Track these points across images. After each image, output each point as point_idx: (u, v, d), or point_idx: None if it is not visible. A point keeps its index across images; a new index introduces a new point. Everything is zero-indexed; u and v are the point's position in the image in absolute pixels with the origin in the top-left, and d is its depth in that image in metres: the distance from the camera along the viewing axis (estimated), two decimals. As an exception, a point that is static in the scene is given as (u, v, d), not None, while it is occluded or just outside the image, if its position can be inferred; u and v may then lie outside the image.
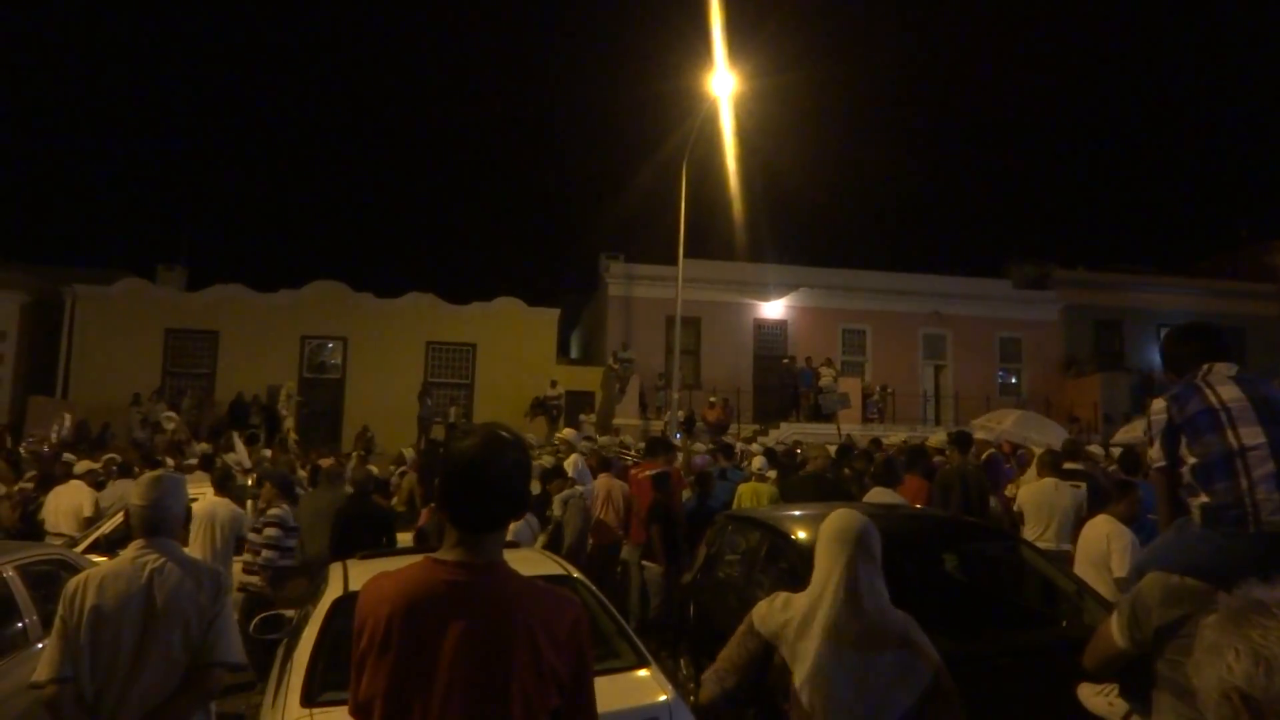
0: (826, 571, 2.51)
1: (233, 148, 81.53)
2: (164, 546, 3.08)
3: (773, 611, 2.50)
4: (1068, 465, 7.76)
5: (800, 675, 2.36)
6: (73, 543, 7.77)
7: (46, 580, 4.90)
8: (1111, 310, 27.78)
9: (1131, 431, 12.69)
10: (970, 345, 26.70)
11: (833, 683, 2.32)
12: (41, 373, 22.04)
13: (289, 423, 20.79)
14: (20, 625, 4.64)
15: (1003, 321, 27.13)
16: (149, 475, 3.34)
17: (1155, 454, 2.73)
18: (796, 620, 2.43)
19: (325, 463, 11.48)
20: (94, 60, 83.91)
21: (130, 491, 3.35)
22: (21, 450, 15.32)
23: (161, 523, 3.13)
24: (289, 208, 76.15)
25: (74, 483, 9.25)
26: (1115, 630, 2.51)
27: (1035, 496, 7.32)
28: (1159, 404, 2.73)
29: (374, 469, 11.89)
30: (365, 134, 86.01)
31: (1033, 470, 8.26)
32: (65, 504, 8.82)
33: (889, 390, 24.46)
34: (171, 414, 16.45)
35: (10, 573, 4.71)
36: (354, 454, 14.95)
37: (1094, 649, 2.63)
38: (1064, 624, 4.94)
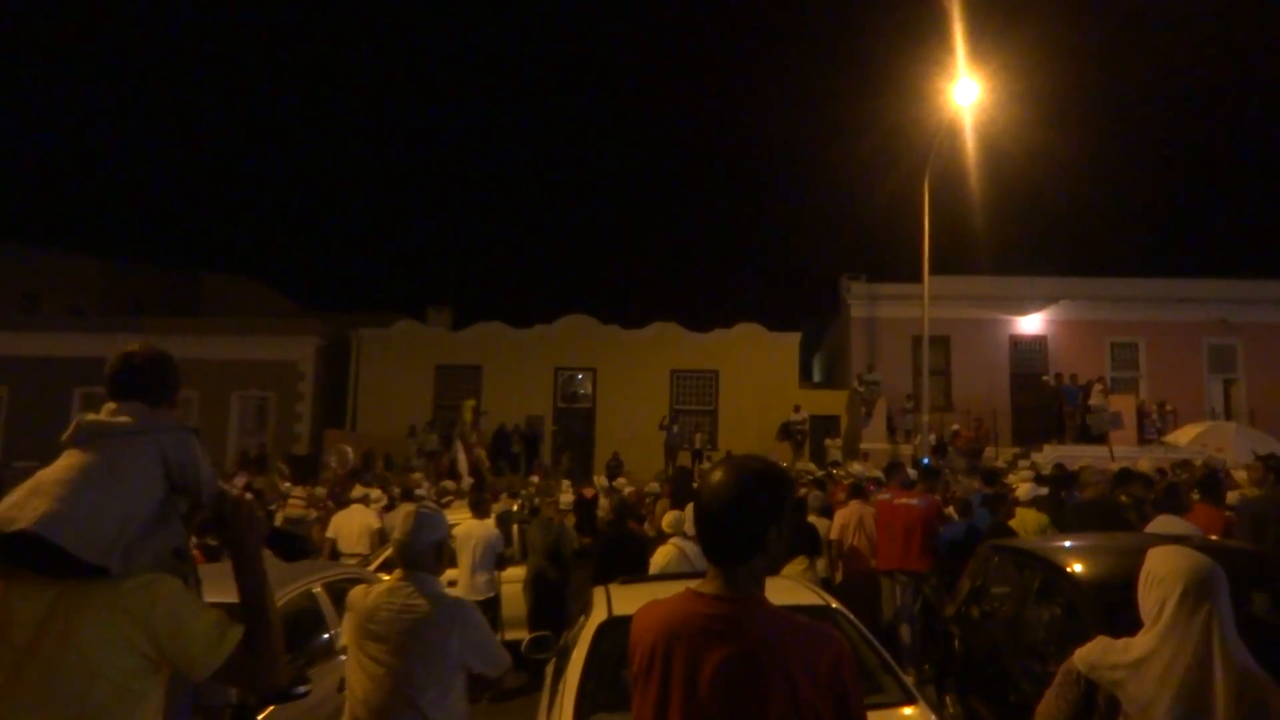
0: (1171, 614, 2.26)
1: (489, 198, 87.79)
2: (416, 579, 3.27)
3: (1094, 653, 2.30)
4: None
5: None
6: (364, 561, 8.61)
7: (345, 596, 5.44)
8: None
9: None
10: (1267, 355, 23.71)
11: None
12: (335, 408, 24.72)
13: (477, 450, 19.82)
14: (326, 637, 5.17)
15: (1309, 327, 23.90)
16: (405, 508, 3.52)
17: None
18: (1132, 665, 2.22)
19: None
20: (381, 140, 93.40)
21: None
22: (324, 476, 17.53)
23: (413, 556, 3.31)
24: (541, 247, 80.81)
25: (356, 506, 10.20)
26: None
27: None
28: None
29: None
30: (609, 171, 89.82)
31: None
32: (352, 525, 9.75)
33: (1168, 408, 22.17)
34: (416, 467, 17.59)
35: (318, 589, 5.28)
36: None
37: None
38: None
